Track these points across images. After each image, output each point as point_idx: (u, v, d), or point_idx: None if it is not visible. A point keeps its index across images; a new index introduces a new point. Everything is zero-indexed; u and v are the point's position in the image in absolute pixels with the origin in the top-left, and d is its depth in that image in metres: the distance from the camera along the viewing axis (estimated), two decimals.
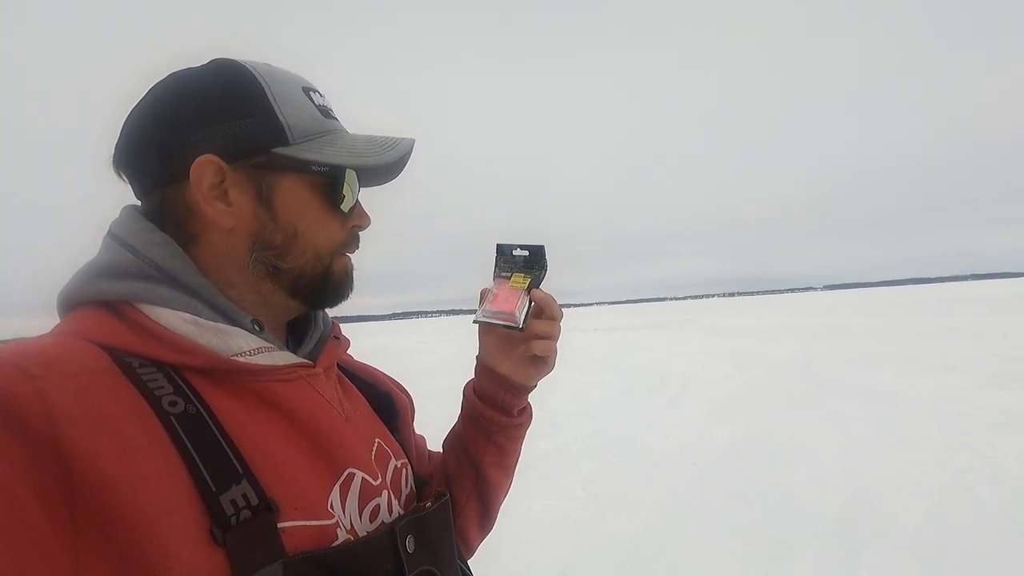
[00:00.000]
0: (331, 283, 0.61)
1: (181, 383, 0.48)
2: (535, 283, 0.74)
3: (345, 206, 0.60)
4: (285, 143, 0.55)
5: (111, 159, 0.58)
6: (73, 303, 0.52)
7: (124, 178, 0.58)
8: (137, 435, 0.43)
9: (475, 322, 0.74)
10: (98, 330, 0.49)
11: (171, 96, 0.55)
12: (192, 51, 0.59)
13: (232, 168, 0.54)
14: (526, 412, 0.80)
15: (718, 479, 4.26)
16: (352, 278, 0.65)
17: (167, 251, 0.54)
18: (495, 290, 0.75)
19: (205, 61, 0.57)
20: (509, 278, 0.75)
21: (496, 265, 0.78)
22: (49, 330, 0.51)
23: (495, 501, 0.81)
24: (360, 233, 0.66)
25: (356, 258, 0.66)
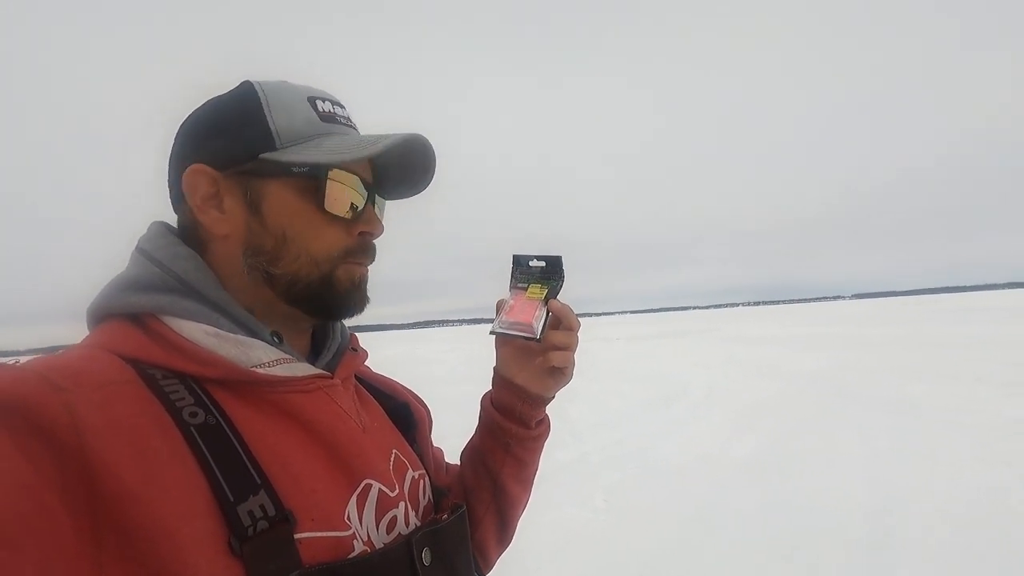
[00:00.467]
0: (334, 292, 0.60)
1: (201, 394, 0.49)
2: (552, 294, 0.73)
3: (334, 207, 0.58)
4: (272, 148, 0.56)
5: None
6: (102, 315, 0.54)
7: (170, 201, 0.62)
8: (158, 446, 0.44)
9: (492, 333, 0.74)
10: (123, 343, 0.50)
11: (190, 120, 0.59)
12: (228, 70, 0.61)
13: (224, 176, 0.56)
14: (544, 424, 0.79)
15: (741, 491, 4.17)
16: (363, 290, 0.63)
17: (191, 264, 0.55)
18: (512, 301, 0.75)
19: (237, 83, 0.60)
20: (526, 289, 0.75)
21: (512, 276, 0.78)
22: (78, 342, 0.52)
23: (513, 514, 0.80)
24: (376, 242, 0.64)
25: (374, 268, 0.65)
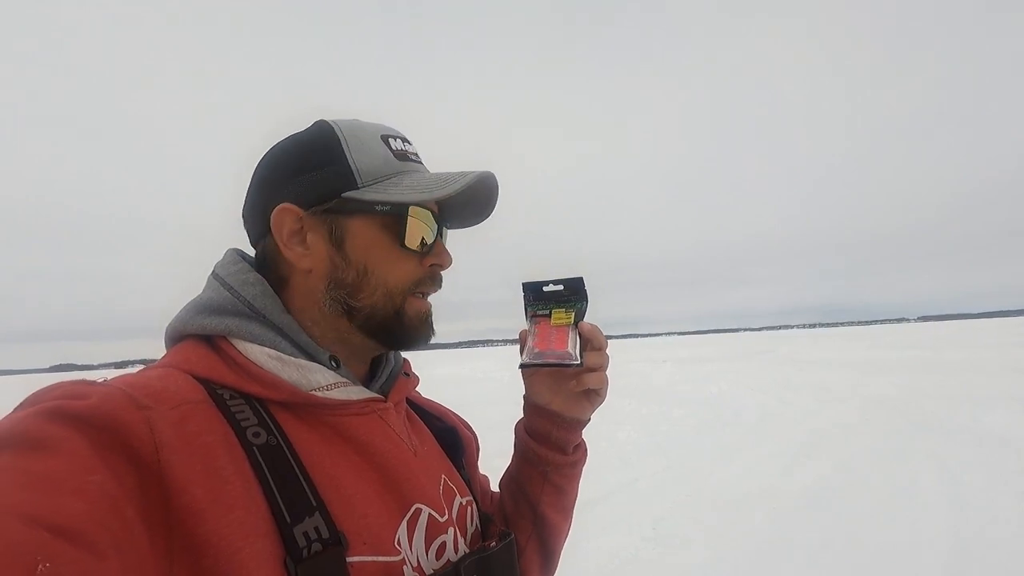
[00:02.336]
0: (405, 325, 0.62)
1: (265, 415, 0.52)
2: (580, 316, 0.72)
3: (412, 242, 0.61)
4: (354, 187, 0.59)
5: (241, 216, 0.66)
6: (179, 335, 0.58)
7: (247, 232, 0.66)
8: (225, 464, 0.46)
9: (523, 367, 0.72)
10: (196, 363, 0.53)
11: (269, 159, 0.63)
12: (304, 107, 0.62)
13: (309, 214, 0.59)
14: (581, 449, 0.78)
15: (802, 526, 3.93)
16: (429, 324, 0.65)
17: (259, 290, 0.59)
18: (536, 330, 0.73)
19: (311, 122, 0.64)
20: (548, 315, 0.73)
21: (527, 304, 0.76)
22: (156, 361, 0.56)
23: (556, 543, 0.79)
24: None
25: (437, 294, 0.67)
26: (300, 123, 0.64)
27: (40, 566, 0.31)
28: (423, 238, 0.62)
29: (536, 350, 0.70)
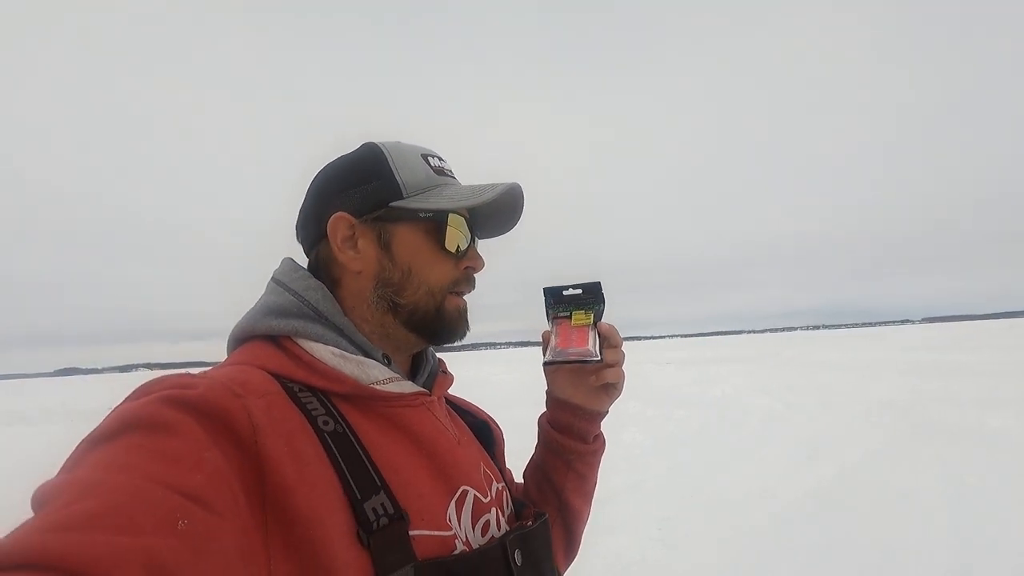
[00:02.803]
0: (444, 320, 0.69)
1: (330, 406, 0.58)
2: (598, 317, 0.79)
3: (450, 245, 0.69)
4: (400, 197, 0.67)
5: (295, 227, 0.73)
6: (247, 336, 0.64)
7: (299, 241, 0.73)
8: (305, 447, 0.52)
9: (548, 364, 0.79)
10: (267, 360, 0.60)
11: (324, 175, 0.71)
12: (351, 134, 0.73)
13: (360, 222, 0.67)
14: (600, 439, 0.86)
15: (808, 528, 3.96)
16: (466, 318, 0.73)
17: (320, 294, 0.66)
18: (558, 330, 0.80)
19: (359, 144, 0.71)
20: (569, 317, 0.81)
21: (548, 308, 0.83)
22: (224, 360, 0.62)
23: (578, 527, 0.86)
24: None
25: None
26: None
27: (180, 522, 0.38)
28: (459, 243, 0.70)
29: (559, 348, 0.77)
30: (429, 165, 0.70)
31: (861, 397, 10.15)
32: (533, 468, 0.87)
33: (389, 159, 0.68)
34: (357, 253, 0.67)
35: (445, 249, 0.68)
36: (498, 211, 0.74)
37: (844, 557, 3.46)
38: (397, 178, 0.67)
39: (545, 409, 0.86)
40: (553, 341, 0.79)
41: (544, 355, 0.79)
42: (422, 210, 0.67)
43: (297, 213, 0.73)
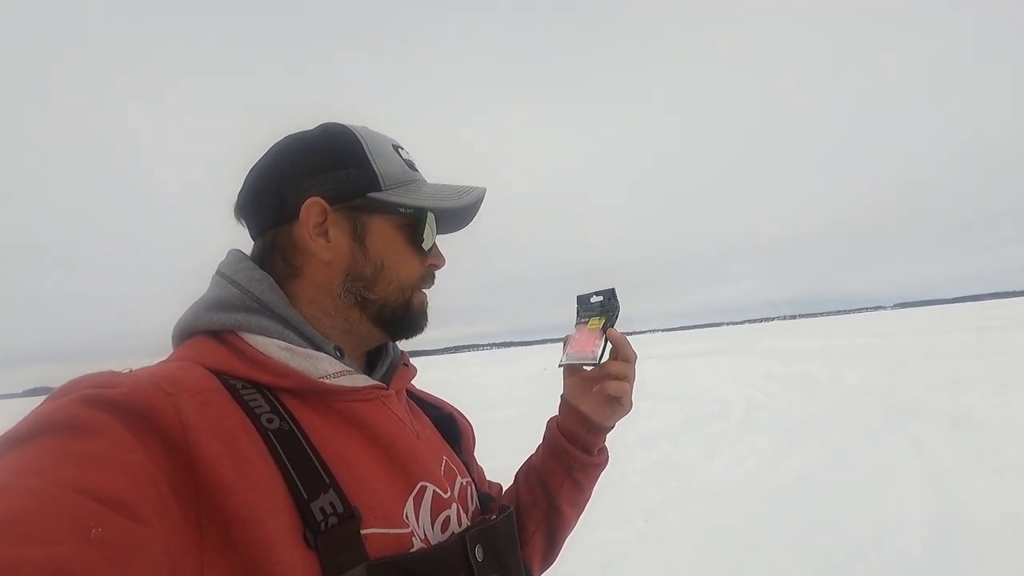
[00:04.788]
0: (411, 315, 0.68)
1: (276, 402, 0.55)
2: (610, 323, 0.80)
3: (426, 244, 0.67)
4: (378, 189, 0.64)
5: (233, 207, 0.67)
6: (188, 332, 0.60)
7: (243, 222, 0.67)
8: (245, 446, 0.48)
9: (560, 366, 0.81)
10: (208, 356, 0.56)
11: (289, 152, 0.65)
12: (298, 117, 0.70)
13: (333, 209, 0.63)
14: (604, 453, 0.84)
15: (789, 512, 4.03)
16: (427, 313, 0.71)
17: (266, 286, 0.62)
18: (575, 335, 0.82)
19: (314, 126, 0.67)
20: (587, 323, 0.82)
21: (577, 314, 0.86)
22: (166, 357, 0.58)
23: (561, 535, 0.84)
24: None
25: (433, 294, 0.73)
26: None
27: (93, 530, 0.35)
28: (432, 241, 0.69)
29: (571, 352, 0.80)
30: (401, 157, 0.68)
31: (839, 383, 10.39)
32: (528, 470, 0.85)
33: (365, 146, 0.64)
34: (328, 242, 0.63)
35: (419, 247, 0.67)
36: (461, 213, 0.73)
37: (829, 539, 3.51)
38: (375, 167, 0.64)
39: (557, 413, 0.85)
40: (569, 345, 0.82)
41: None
42: (402, 205, 0.64)
43: (240, 190, 0.66)
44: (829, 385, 10.23)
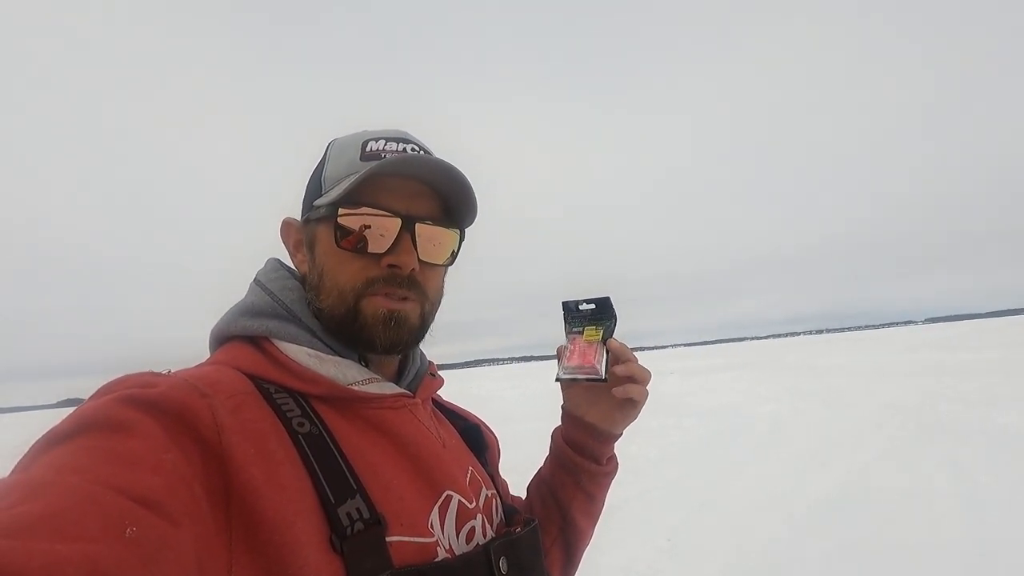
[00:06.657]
0: (361, 326, 0.60)
1: (307, 407, 0.56)
2: (608, 334, 0.77)
3: (344, 244, 0.60)
4: (320, 194, 0.64)
5: None
6: (224, 336, 0.62)
7: None
8: (276, 449, 0.50)
9: (558, 380, 0.79)
10: (243, 361, 0.58)
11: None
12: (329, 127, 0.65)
13: (300, 225, 0.68)
14: (613, 461, 0.83)
15: (818, 534, 3.89)
16: (390, 324, 0.61)
17: (296, 295, 0.64)
18: (571, 347, 0.79)
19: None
20: (581, 333, 0.79)
21: (566, 322, 0.82)
22: (203, 361, 0.60)
23: (579, 548, 0.83)
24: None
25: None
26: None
27: (128, 529, 0.36)
28: (364, 237, 0.60)
29: (569, 365, 0.77)
30: (363, 150, 0.62)
31: (868, 400, 10.06)
32: (539, 483, 0.84)
33: (327, 153, 0.66)
34: (302, 257, 0.67)
35: (341, 247, 0.60)
36: (451, 196, 0.65)
37: (860, 565, 3.38)
38: (323, 172, 0.65)
39: (560, 424, 0.83)
40: (565, 357, 0.79)
41: (558, 370, 0.79)
42: (319, 206, 0.62)
43: None
44: (858, 401, 9.92)
